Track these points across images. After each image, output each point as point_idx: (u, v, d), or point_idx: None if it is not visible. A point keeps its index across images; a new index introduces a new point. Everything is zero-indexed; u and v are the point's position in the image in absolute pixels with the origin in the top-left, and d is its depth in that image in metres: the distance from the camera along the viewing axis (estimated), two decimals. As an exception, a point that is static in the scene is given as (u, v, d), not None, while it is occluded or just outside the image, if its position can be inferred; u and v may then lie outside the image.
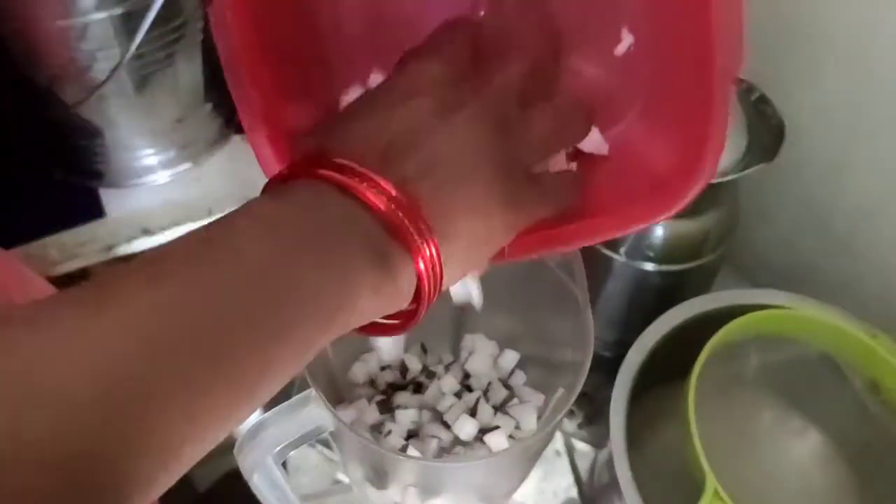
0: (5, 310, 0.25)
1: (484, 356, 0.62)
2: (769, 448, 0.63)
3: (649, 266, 0.62)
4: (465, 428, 0.56)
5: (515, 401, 0.60)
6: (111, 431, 0.24)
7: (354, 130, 0.33)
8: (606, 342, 0.68)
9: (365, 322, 0.31)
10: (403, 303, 0.32)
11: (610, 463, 0.54)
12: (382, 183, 0.30)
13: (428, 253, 0.31)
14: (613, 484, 0.54)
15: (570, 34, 0.40)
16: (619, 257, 0.62)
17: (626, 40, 0.39)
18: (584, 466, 0.66)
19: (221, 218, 0.29)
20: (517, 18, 0.40)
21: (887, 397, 0.56)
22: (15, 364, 0.23)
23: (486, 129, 0.34)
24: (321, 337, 0.29)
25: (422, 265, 0.31)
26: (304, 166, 0.31)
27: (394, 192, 0.30)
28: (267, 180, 0.33)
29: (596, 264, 0.64)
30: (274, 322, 0.27)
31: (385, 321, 0.34)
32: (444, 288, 0.33)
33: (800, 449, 0.63)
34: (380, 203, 0.30)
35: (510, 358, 0.63)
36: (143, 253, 0.74)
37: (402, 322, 0.34)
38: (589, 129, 0.40)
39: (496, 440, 0.56)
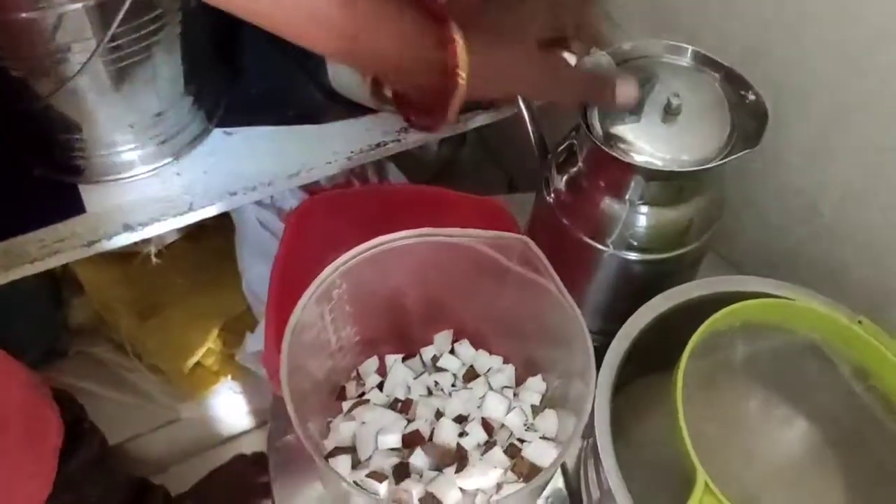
0: None
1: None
2: (757, 437, 0.62)
3: (633, 255, 0.61)
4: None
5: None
6: None
7: None
8: (591, 332, 0.68)
9: None
10: None
11: (595, 452, 0.53)
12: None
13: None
14: (599, 474, 0.53)
15: None
16: (606, 248, 0.62)
17: None
18: (570, 456, 0.66)
19: None
20: None
21: (875, 383, 0.56)
22: None
23: None
24: None
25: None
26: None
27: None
28: None
29: (582, 255, 0.63)
30: None
31: None
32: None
33: (788, 437, 0.62)
34: None
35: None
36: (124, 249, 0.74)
37: None
38: None
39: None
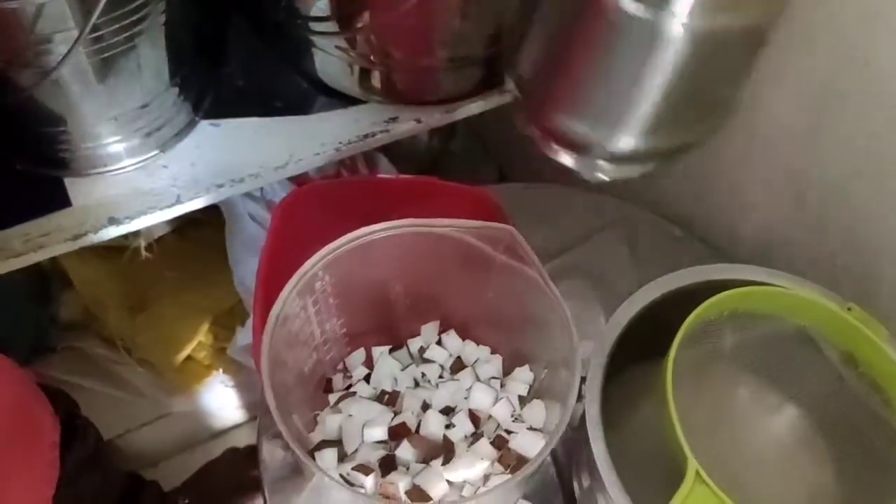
0: None
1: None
2: (747, 424, 0.62)
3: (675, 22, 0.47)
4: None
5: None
6: None
7: None
8: (621, 155, 0.57)
9: None
10: None
11: (586, 441, 0.53)
12: None
13: None
14: (590, 462, 0.53)
15: None
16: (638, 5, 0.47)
17: None
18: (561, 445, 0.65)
19: None
20: None
21: (864, 369, 0.56)
22: None
23: None
24: None
25: None
26: None
27: None
28: None
29: (620, 40, 0.50)
30: None
31: None
32: None
33: (777, 424, 0.62)
34: None
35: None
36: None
37: None
38: None
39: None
